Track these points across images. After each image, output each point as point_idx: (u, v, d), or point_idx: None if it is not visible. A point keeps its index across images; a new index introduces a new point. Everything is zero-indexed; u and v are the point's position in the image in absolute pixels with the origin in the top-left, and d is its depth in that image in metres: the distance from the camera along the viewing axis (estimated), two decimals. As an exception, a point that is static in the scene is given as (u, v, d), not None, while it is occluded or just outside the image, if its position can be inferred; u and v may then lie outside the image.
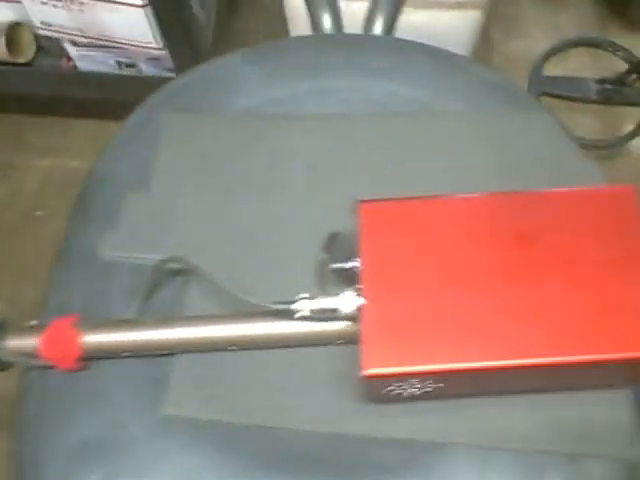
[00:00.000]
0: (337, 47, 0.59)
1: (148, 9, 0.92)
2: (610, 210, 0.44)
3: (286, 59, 0.58)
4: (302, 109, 0.55)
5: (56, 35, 1.03)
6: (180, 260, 0.48)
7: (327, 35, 0.64)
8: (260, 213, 0.51)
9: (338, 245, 0.46)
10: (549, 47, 1.19)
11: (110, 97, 1.09)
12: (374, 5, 0.62)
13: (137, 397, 0.47)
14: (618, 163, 1.15)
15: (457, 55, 0.58)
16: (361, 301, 0.43)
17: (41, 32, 1.04)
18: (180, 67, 1.01)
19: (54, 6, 0.97)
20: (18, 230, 1.14)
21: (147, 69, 1.06)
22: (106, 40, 1.02)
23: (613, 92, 1.15)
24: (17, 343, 0.46)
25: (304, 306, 0.44)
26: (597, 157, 1.13)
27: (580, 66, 1.20)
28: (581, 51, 1.20)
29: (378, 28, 0.62)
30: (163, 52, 1.00)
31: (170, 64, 1.03)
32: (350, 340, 0.44)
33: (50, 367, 0.46)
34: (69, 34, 1.02)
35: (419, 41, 0.58)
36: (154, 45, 0.99)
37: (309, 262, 0.47)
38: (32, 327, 0.47)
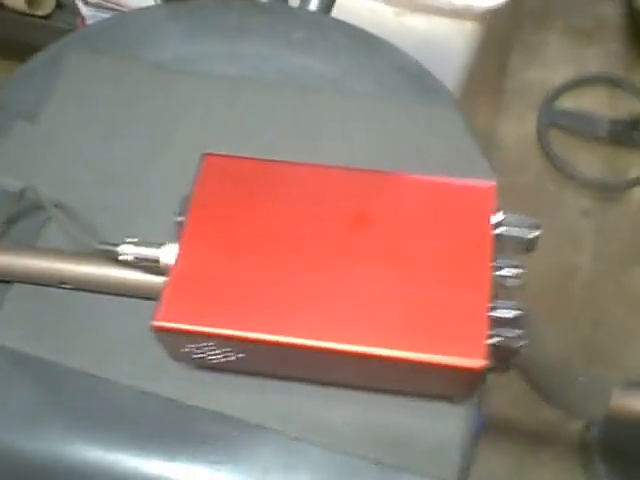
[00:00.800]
0: (262, 14, 0.58)
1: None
2: (464, 204, 0.41)
3: (207, 19, 0.56)
4: (211, 70, 0.54)
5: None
6: (34, 191, 0.47)
7: (255, 1, 0.62)
8: (136, 161, 0.50)
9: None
10: (567, 79, 1.15)
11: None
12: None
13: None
14: (617, 207, 1.10)
15: (382, 40, 0.55)
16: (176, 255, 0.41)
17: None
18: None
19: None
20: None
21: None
22: (114, 3, 1.04)
23: (624, 134, 1.11)
24: None
25: (127, 250, 0.43)
26: (597, 198, 1.09)
27: (596, 103, 1.16)
28: (600, 88, 1.16)
29: (314, 5, 0.60)
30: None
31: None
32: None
33: None
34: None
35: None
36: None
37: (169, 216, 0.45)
38: None
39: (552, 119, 1.10)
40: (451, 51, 0.94)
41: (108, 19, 0.58)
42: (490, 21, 0.92)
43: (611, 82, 1.16)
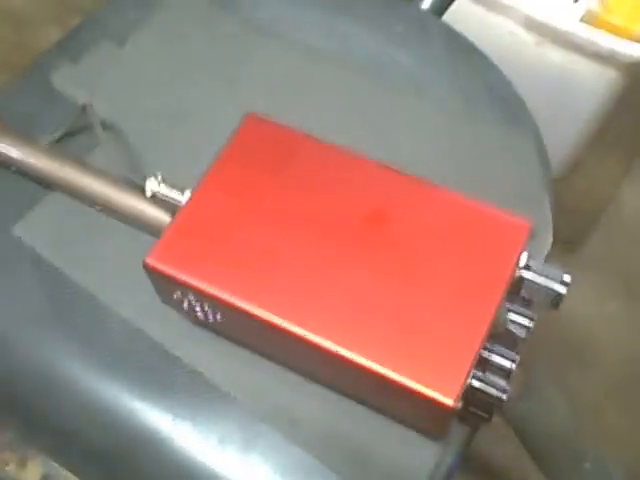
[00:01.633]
0: (375, 7, 0.56)
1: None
2: (493, 236, 0.38)
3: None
4: (302, 40, 0.53)
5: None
6: (91, 109, 0.48)
7: None
8: (201, 105, 0.50)
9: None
10: None
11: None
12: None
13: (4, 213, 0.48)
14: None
15: (481, 54, 0.53)
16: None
17: None
18: None
19: None
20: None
21: None
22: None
23: None
24: None
25: (151, 186, 0.42)
26: None
27: None
28: None
29: (426, 3, 0.58)
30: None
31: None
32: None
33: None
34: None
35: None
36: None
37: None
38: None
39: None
40: (586, 95, 0.89)
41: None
42: (636, 74, 0.86)
43: None
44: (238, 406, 0.41)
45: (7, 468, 0.54)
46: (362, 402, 0.40)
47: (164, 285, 0.39)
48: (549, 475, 0.47)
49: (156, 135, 0.49)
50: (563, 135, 0.95)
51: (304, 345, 0.36)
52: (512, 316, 0.38)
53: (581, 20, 0.80)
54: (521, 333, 0.37)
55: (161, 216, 0.43)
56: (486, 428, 0.41)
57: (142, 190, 0.43)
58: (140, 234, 0.44)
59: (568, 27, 0.81)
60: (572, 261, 1.08)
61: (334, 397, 0.40)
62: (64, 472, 0.48)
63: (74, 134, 0.50)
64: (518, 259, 0.37)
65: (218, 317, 0.39)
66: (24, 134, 0.48)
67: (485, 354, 0.36)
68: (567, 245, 1.10)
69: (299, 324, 0.36)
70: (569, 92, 0.87)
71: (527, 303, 0.39)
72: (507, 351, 0.37)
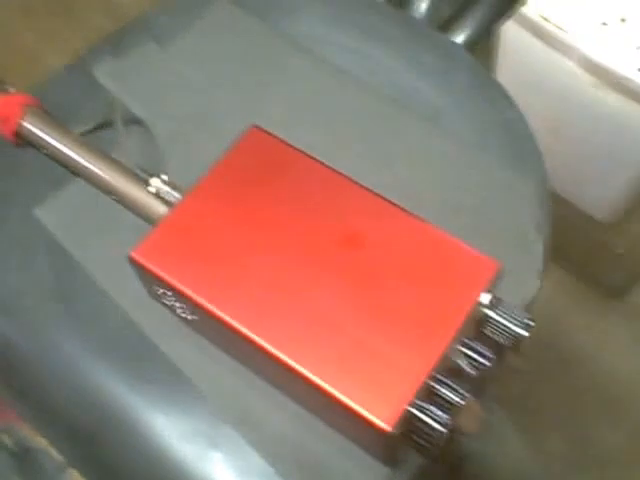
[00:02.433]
0: (405, 27, 0.58)
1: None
2: (460, 270, 0.39)
3: (352, 13, 0.57)
4: (330, 58, 0.55)
5: None
6: (118, 105, 0.51)
7: (405, 13, 0.62)
8: (227, 111, 0.52)
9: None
10: None
11: None
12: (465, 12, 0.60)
13: (34, 191, 0.52)
14: None
15: (503, 91, 0.53)
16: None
17: None
18: None
19: None
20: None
21: None
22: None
23: None
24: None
25: (155, 183, 0.45)
26: None
27: None
28: None
29: (460, 38, 0.59)
30: None
31: None
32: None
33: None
34: None
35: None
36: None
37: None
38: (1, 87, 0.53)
39: None
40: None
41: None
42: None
43: None
44: (209, 405, 0.43)
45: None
46: (316, 417, 0.41)
47: (147, 279, 0.42)
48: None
49: (176, 136, 0.51)
50: (616, 180, 0.93)
51: (261, 353, 0.38)
52: (469, 352, 0.38)
53: (640, 68, 0.79)
54: (470, 370, 0.38)
55: (162, 211, 0.45)
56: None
57: (143, 183, 0.45)
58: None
59: (627, 73, 0.80)
60: (618, 309, 1.06)
61: (300, 410, 0.42)
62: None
63: (106, 126, 0.53)
64: (478, 297, 0.38)
65: (193, 316, 0.42)
66: (58, 121, 0.52)
67: (435, 386, 0.37)
68: (614, 292, 1.08)
69: (257, 332, 0.38)
70: (624, 137, 0.86)
71: (491, 342, 0.40)
72: (460, 386, 0.37)
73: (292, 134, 0.45)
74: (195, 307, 0.40)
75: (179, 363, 0.44)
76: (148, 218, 0.46)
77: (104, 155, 0.49)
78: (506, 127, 0.51)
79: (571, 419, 0.94)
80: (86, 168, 0.49)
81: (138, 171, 0.46)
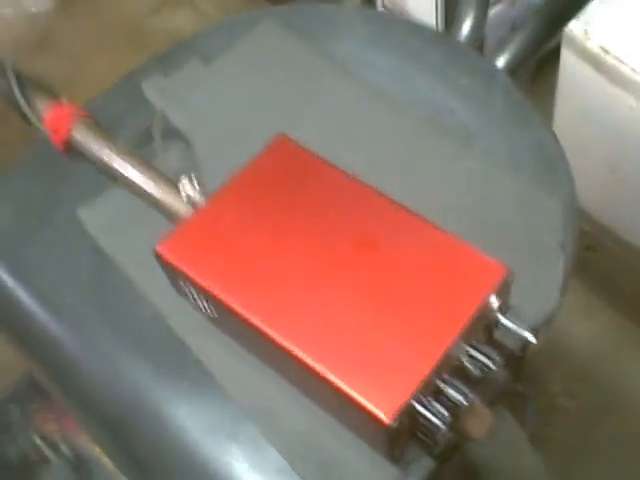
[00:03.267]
0: (444, 49, 0.59)
1: None
2: (468, 274, 0.40)
3: (390, 34, 0.59)
4: (368, 79, 0.57)
5: None
6: (159, 118, 0.54)
7: (447, 36, 0.63)
8: (263, 129, 0.54)
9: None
10: None
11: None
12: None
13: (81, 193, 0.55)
14: None
15: (536, 115, 0.54)
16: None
17: None
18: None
19: None
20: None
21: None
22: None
23: None
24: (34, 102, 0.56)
25: (183, 187, 0.47)
26: None
27: None
28: None
29: (501, 62, 0.60)
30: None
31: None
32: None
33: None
34: None
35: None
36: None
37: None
38: (55, 99, 0.57)
39: None
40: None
41: (311, 4, 0.62)
42: None
43: None
44: (230, 399, 0.45)
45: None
46: (327, 412, 0.42)
47: (171, 274, 0.44)
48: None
49: (212, 150, 0.54)
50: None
51: (276, 347, 0.40)
52: (477, 355, 0.39)
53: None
54: (475, 372, 0.38)
55: (189, 213, 0.48)
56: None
57: (174, 187, 0.48)
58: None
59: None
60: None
61: (317, 409, 0.43)
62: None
63: (148, 137, 0.56)
64: (486, 299, 0.38)
65: (213, 310, 0.43)
66: (104, 131, 0.55)
67: (440, 385, 0.38)
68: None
69: (271, 326, 0.40)
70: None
71: (501, 347, 0.40)
72: (464, 387, 0.38)
73: (325, 151, 0.47)
74: (214, 302, 0.42)
75: (204, 358, 0.46)
76: (177, 219, 0.48)
77: (140, 161, 0.52)
78: (538, 148, 0.52)
79: (613, 465, 0.91)
80: (122, 173, 0.52)
81: (171, 176, 0.49)
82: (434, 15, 1.01)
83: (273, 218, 0.43)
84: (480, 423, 0.39)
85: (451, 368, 0.38)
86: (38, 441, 0.83)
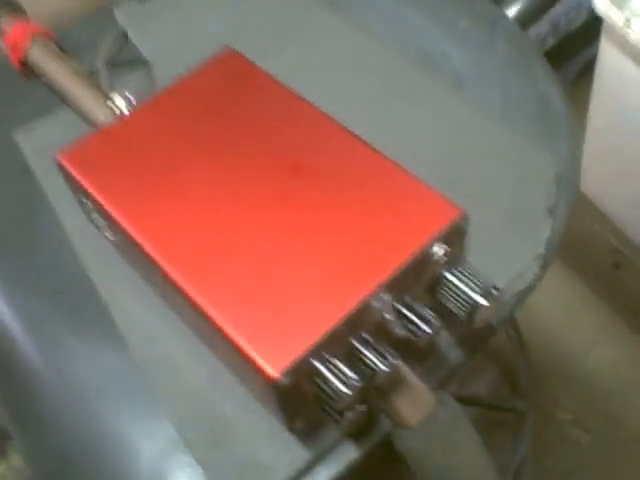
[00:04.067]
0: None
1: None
2: (416, 213, 0.32)
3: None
4: (362, 19, 0.51)
5: None
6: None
7: None
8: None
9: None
10: None
11: None
12: None
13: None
14: None
15: (543, 64, 0.47)
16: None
17: None
18: None
19: None
20: None
21: None
22: None
23: None
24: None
25: (114, 101, 0.42)
26: None
27: None
28: None
29: (512, 12, 0.53)
30: None
31: None
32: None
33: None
34: None
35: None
36: None
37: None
38: (23, 17, 0.52)
39: None
40: None
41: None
42: None
43: None
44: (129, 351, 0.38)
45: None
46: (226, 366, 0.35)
47: (73, 190, 0.38)
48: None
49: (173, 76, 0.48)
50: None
51: (168, 281, 0.33)
52: (409, 314, 0.31)
53: None
54: (401, 332, 0.30)
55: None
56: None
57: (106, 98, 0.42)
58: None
59: None
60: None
61: (219, 369, 0.36)
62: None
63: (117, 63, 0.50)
64: (427, 247, 0.31)
65: (114, 236, 0.37)
66: (63, 54, 0.49)
67: (356, 345, 0.30)
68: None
69: (165, 256, 0.33)
70: None
71: (443, 310, 0.32)
72: (386, 350, 0.30)
73: (295, 82, 0.40)
74: (110, 221, 0.35)
75: (109, 301, 0.39)
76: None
77: (83, 79, 0.46)
78: (539, 102, 0.44)
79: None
80: (61, 86, 0.46)
81: (107, 91, 0.43)
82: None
83: (200, 135, 0.37)
84: (416, 406, 0.32)
85: (374, 327, 0.31)
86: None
